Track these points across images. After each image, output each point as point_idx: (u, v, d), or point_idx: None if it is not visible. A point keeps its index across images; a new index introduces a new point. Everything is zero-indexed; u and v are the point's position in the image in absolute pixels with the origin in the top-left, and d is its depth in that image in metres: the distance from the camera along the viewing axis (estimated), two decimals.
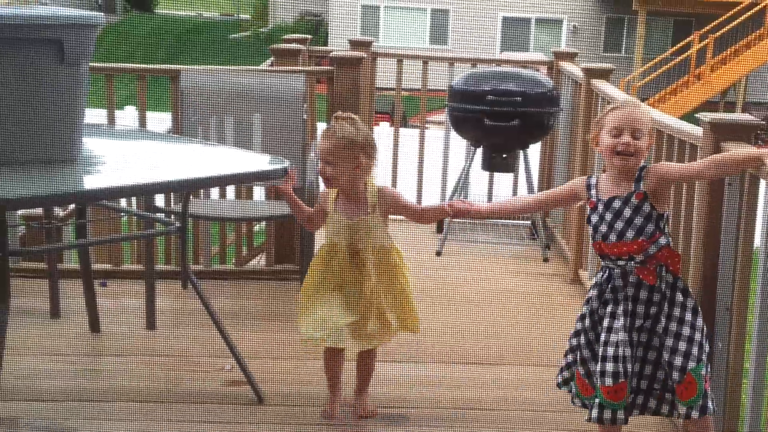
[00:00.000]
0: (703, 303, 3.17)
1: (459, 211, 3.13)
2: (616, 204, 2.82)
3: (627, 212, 2.81)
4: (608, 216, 2.82)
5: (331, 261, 3.23)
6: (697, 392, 2.75)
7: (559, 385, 3.04)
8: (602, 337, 2.83)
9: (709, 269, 3.15)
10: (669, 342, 2.77)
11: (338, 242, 3.21)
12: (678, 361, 2.75)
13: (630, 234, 2.80)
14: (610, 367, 2.77)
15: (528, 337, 4.28)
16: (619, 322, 2.80)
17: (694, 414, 2.76)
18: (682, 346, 2.76)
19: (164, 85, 4.83)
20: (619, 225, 2.81)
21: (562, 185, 3.14)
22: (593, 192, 2.89)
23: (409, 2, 26.08)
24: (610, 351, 2.78)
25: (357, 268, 3.21)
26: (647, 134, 2.83)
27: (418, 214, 3.30)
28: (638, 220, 2.80)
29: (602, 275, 2.90)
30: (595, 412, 2.80)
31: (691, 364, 2.74)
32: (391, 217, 3.25)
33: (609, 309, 2.84)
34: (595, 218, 2.86)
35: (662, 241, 2.81)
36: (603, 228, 2.84)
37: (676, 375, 2.75)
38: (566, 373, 3.00)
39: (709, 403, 2.77)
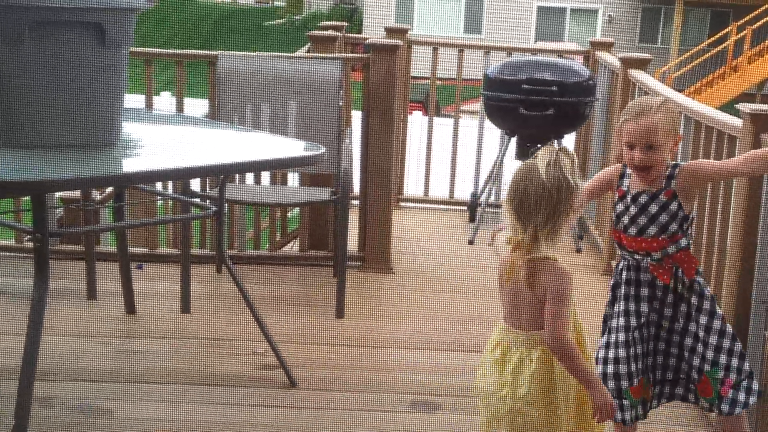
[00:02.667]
0: (739, 296, 3.15)
1: None
2: (643, 199, 2.72)
3: (653, 208, 2.71)
4: (633, 209, 2.73)
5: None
6: (712, 394, 2.72)
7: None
8: (605, 338, 2.78)
9: (747, 262, 3.12)
10: (688, 341, 2.74)
11: None
12: (696, 361, 2.73)
13: (652, 231, 2.71)
14: (611, 369, 2.71)
15: None
16: (621, 322, 2.74)
17: (724, 407, 2.71)
18: (698, 347, 2.72)
19: (201, 71, 4.85)
20: (642, 220, 2.72)
21: (596, 175, 2.95)
22: (625, 181, 2.78)
23: None
24: (611, 353, 2.72)
25: None
26: (668, 138, 2.68)
27: None
28: (663, 218, 2.70)
29: (618, 265, 2.84)
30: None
31: (706, 367, 2.71)
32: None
33: (617, 308, 2.78)
34: (620, 207, 2.77)
35: (683, 242, 2.72)
36: (626, 219, 2.75)
37: (695, 374, 2.74)
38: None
39: (728, 407, 2.71)
